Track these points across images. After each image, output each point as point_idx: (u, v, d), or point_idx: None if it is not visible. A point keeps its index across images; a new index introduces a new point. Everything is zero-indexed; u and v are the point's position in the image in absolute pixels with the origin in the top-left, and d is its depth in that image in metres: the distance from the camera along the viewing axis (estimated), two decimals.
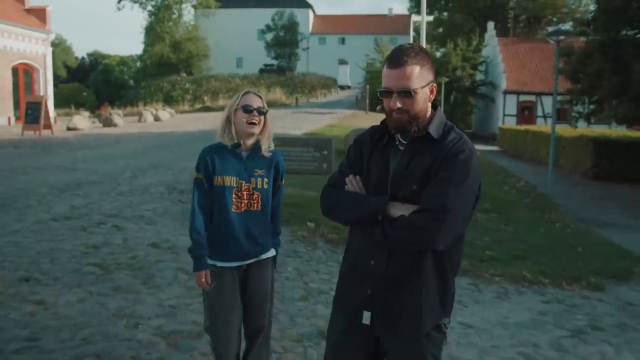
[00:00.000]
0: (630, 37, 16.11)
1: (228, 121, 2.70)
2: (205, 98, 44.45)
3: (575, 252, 7.40)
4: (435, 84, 1.98)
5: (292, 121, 22.57)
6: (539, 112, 36.26)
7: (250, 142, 2.72)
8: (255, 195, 2.72)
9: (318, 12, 73.23)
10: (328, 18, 73.25)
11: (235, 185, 2.69)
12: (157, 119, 25.97)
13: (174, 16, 56.95)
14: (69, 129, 19.60)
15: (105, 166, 10.75)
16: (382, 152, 2.03)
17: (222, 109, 33.80)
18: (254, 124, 2.65)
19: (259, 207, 2.74)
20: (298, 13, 59.95)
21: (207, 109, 36.82)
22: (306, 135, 16.22)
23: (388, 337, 1.99)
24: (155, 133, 18.72)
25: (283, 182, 2.88)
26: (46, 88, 24.77)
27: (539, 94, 35.82)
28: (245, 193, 2.70)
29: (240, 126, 2.67)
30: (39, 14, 25.05)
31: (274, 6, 59.90)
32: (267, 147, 2.75)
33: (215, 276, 2.73)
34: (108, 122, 22.20)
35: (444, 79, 34.52)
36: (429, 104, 1.97)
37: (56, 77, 39.33)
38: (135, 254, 5.47)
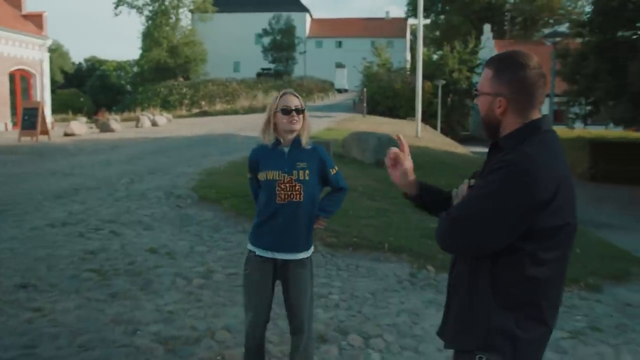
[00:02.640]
0: (626, 38, 16.19)
1: (268, 122, 2.96)
2: (203, 103, 44.44)
3: (573, 253, 7.37)
4: (502, 99, 1.85)
5: None
6: None
7: (290, 137, 2.95)
8: (297, 187, 2.91)
9: (315, 16, 73.41)
10: (325, 22, 73.41)
11: (278, 178, 2.91)
12: (154, 124, 25.88)
13: (171, 21, 57.03)
14: (66, 134, 19.52)
15: (103, 172, 10.72)
16: None
17: (219, 113, 33.83)
18: (294, 122, 2.90)
19: (301, 198, 2.92)
20: (295, 17, 60.06)
21: (204, 114, 36.77)
22: None
23: (443, 341, 1.98)
24: (152, 138, 18.67)
25: (334, 172, 3.06)
26: (43, 94, 24.73)
27: None
28: (287, 185, 2.91)
29: (282, 126, 2.92)
30: (36, 20, 25.02)
31: (271, 10, 60.01)
32: (306, 140, 2.98)
33: (252, 261, 2.98)
34: (105, 128, 22.12)
35: (441, 82, 34.60)
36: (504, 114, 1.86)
37: (53, 83, 39.32)
38: (133, 259, 5.46)
